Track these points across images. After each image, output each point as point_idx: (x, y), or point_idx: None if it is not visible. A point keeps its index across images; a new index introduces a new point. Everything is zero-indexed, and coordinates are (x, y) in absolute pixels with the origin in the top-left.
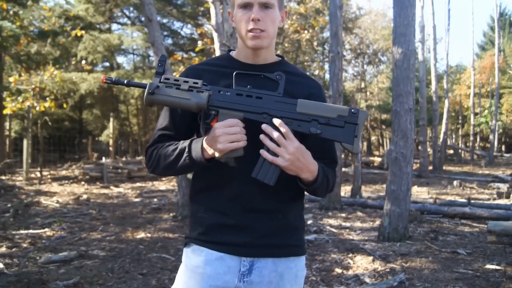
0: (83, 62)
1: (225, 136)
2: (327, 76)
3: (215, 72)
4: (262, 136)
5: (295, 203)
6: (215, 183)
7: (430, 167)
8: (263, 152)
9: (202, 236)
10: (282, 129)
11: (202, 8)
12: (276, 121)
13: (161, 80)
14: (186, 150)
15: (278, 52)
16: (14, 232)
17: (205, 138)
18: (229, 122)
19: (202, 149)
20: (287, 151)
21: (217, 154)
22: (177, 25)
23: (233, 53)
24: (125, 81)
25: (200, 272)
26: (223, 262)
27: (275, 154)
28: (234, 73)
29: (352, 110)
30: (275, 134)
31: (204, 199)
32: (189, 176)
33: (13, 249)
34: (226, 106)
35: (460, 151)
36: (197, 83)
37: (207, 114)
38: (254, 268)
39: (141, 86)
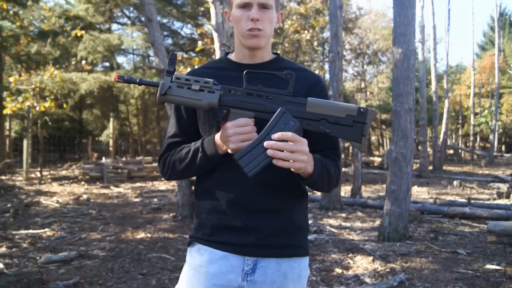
0: (83, 62)
1: (237, 136)
2: (327, 76)
3: (214, 75)
4: (270, 152)
5: (299, 203)
6: (219, 184)
7: (430, 167)
8: (277, 162)
9: (207, 236)
10: (288, 136)
11: (202, 8)
12: (275, 136)
13: (172, 80)
14: (200, 149)
15: (279, 52)
16: (14, 232)
17: (217, 135)
18: (240, 122)
19: (216, 146)
20: (302, 153)
21: (230, 151)
22: (177, 25)
23: (230, 56)
24: (138, 80)
25: (203, 271)
26: (227, 261)
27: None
28: (244, 72)
29: (361, 109)
30: (285, 145)
31: (208, 201)
32: None
33: (13, 249)
34: (237, 106)
35: (460, 151)
36: (208, 82)
37: (217, 112)
38: (258, 268)
39: (153, 85)
